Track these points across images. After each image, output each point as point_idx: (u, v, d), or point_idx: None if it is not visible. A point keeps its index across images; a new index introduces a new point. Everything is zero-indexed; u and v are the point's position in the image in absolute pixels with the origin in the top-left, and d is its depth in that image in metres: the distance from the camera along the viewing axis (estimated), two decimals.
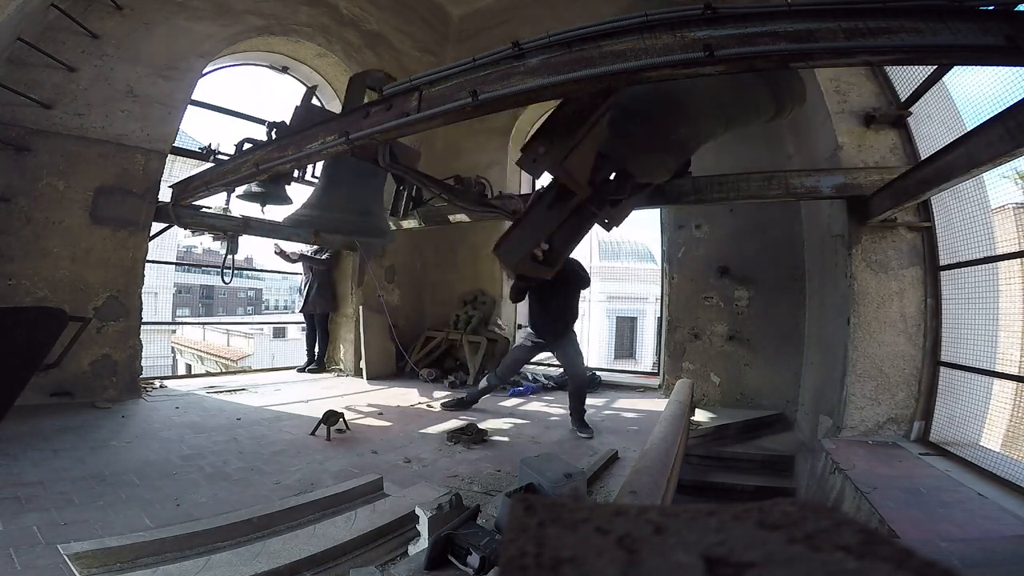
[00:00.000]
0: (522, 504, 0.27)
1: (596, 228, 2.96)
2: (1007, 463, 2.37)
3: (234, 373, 6.32)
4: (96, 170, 3.93)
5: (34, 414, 3.26)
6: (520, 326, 6.03)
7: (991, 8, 1.41)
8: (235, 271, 4.79)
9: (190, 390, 4.59)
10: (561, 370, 6.05)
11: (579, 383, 3.88)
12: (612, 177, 2.80)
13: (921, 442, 2.94)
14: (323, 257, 5.84)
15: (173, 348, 16.69)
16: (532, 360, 6.20)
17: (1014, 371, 2.53)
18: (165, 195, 4.25)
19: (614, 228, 2.93)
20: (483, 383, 4.31)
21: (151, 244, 4.34)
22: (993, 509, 2.11)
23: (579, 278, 3.84)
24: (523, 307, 6.47)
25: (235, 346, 17.22)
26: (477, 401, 4.38)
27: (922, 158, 2.88)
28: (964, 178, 2.19)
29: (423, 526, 1.87)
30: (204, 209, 4.33)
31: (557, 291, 3.76)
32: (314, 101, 4.44)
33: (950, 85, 2.86)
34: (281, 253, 5.88)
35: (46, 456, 2.65)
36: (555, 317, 3.87)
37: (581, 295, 3.98)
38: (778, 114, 3.04)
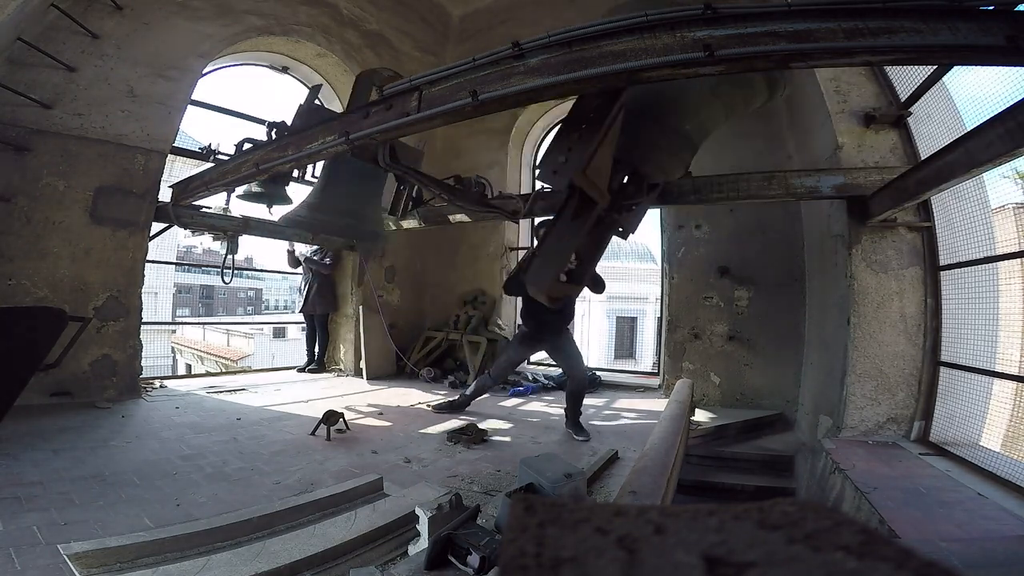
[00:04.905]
0: (522, 504, 0.27)
1: None
2: (1007, 463, 2.37)
3: (234, 373, 6.32)
4: (96, 170, 3.93)
5: (34, 414, 3.26)
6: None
7: (991, 8, 1.40)
8: (235, 271, 4.79)
9: (190, 390, 4.58)
10: (561, 370, 6.06)
11: (579, 383, 3.79)
12: (625, 181, 2.72)
13: (921, 442, 2.94)
14: (327, 261, 5.84)
15: (173, 348, 16.68)
16: (531, 360, 6.25)
17: (1014, 371, 2.53)
18: (165, 195, 4.25)
19: (630, 235, 2.83)
20: (475, 384, 4.19)
21: (151, 244, 4.34)
22: (993, 509, 2.11)
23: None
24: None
25: (235, 346, 17.22)
26: (469, 404, 4.23)
27: (922, 158, 2.88)
28: (964, 178, 2.19)
29: (423, 526, 1.87)
30: (204, 209, 4.33)
31: None
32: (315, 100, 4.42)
33: (950, 85, 2.86)
34: (291, 254, 5.89)
35: (46, 456, 2.65)
36: (554, 315, 3.67)
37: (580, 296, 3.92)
38: (771, 96, 3.04)
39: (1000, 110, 1.84)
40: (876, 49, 1.49)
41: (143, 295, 4.28)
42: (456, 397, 4.32)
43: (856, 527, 0.24)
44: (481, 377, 4.20)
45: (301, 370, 5.94)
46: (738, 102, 3.02)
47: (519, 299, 3.92)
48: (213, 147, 4.17)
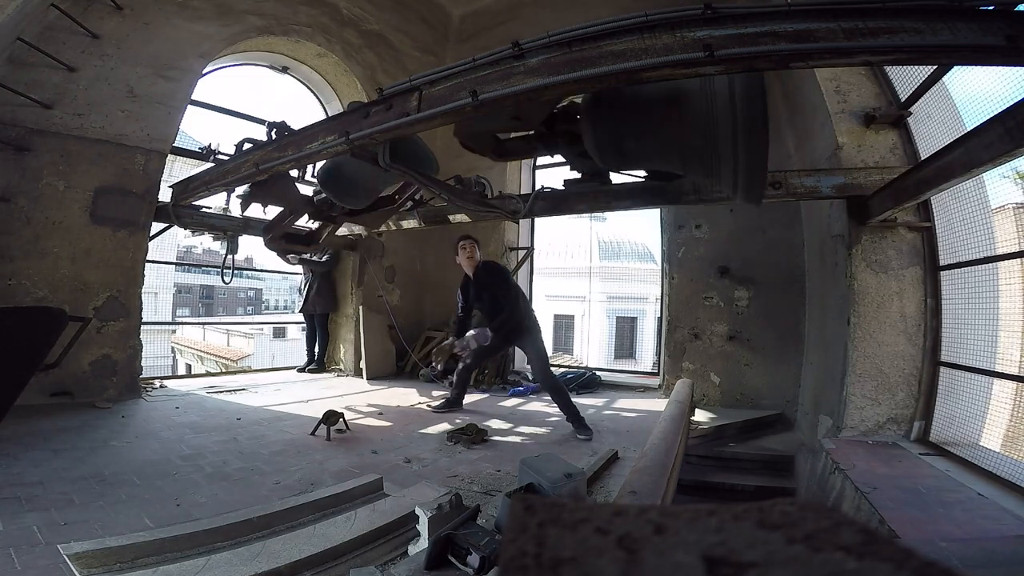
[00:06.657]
0: (522, 504, 0.27)
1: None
2: (1007, 463, 2.36)
3: (234, 373, 6.32)
4: (96, 170, 3.93)
5: (34, 414, 3.26)
6: None
7: (991, 8, 1.40)
8: (235, 271, 4.79)
9: (190, 390, 4.59)
10: (562, 371, 6.06)
11: (547, 383, 3.87)
12: None
13: (921, 442, 2.94)
14: (323, 259, 5.83)
15: (173, 348, 16.69)
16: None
17: (1014, 371, 2.52)
18: (165, 195, 4.25)
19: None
20: (456, 378, 4.30)
21: (151, 244, 4.34)
22: (993, 509, 2.11)
23: (492, 281, 3.94)
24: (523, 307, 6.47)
25: (235, 346, 17.23)
26: (463, 398, 4.33)
27: (922, 158, 2.88)
28: (964, 178, 2.19)
29: (423, 526, 1.87)
30: (204, 209, 4.33)
31: (481, 295, 3.99)
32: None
33: (950, 85, 2.85)
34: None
35: (46, 456, 2.65)
36: (490, 318, 4.00)
37: (517, 294, 4.00)
38: None
39: (1000, 110, 1.84)
40: (876, 49, 1.49)
41: (143, 295, 4.28)
42: (450, 397, 4.35)
43: (856, 527, 0.24)
44: (459, 370, 4.28)
45: (301, 370, 5.94)
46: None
47: (518, 299, 4.00)
48: (213, 147, 4.17)
